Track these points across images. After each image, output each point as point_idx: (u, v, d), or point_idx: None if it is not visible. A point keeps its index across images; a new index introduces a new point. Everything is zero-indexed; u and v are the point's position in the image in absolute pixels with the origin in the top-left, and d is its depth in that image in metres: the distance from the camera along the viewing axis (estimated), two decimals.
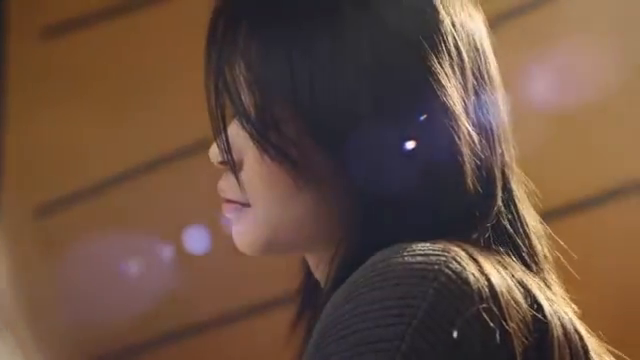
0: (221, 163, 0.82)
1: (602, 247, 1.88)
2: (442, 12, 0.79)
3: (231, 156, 0.81)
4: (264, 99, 0.78)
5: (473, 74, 0.80)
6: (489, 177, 0.79)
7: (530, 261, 0.81)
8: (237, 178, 0.81)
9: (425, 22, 0.79)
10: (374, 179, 0.76)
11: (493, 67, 0.83)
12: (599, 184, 1.94)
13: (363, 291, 0.68)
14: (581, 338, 0.76)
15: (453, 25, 0.80)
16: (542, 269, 0.82)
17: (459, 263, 0.69)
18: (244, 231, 0.82)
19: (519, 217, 0.82)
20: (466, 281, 0.68)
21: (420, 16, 0.79)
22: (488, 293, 0.69)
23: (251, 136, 0.79)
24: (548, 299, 0.75)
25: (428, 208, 0.77)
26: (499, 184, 0.80)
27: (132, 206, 1.98)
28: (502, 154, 0.82)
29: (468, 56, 0.80)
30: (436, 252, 0.70)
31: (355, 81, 0.76)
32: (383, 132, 0.76)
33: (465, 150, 0.77)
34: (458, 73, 0.79)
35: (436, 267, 0.69)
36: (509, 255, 0.79)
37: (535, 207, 0.86)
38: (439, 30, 0.79)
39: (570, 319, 0.76)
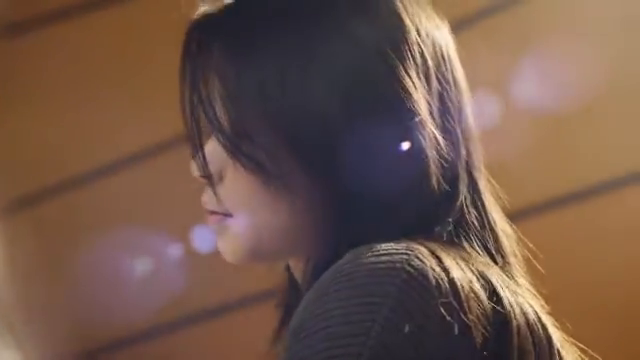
0: (202, 177, 0.85)
1: (581, 242, 1.90)
2: (408, 23, 0.83)
3: (208, 170, 0.83)
4: (237, 112, 0.81)
5: (438, 80, 0.84)
6: (453, 177, 0.83)
7: (496, 254, 0.84)
8: (214, 191, 0.84)
9: (392, 33, 0.82)
10: (345, 185, 0.79)
11: (459, 73, 0.87)
12: (577, 181, 1.96)
13: (330, 291, 0.71)
14: (544, 328, 0.79)
15: (419, 34, 0.83)
16: (508, 262, 0.85)
17: (420, 260, 0.72)
18: (227, 241, 0.85)
19: (486, 215, 0.85)
20: (426, 277, 0.71)
21: (387, 27, 0.82)
22: (448, 287, 0.72)
23: (225, 148, 0.82)
24: (511, 291, 0.78)
25: (395, 209, 0.80)
26: (463, 184, 0.84)
27: (114, 200, 1.98)
28: (468, 155, 0.85)
29: (433, 63, 0.83)
30: (399, 251, 0.73)
31: (325, 92, 0.79)
32: (352, 140, 0.79)
33: (431, 153, 0.81)
34: (424, 80, 0.82)
35: (398, 265, 0.71)
36: (473, 249, 0.82)
37: (512, 205, 0.89)
38: (405, 40, 0.82)
39: (535, 310, 0.79)
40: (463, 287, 0.72)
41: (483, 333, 0.72)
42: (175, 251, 1.87)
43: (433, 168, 0.81)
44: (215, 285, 1.93)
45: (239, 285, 1.93)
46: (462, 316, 0.71)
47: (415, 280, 0.71)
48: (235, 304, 1.97)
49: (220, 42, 0.82)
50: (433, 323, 0.70)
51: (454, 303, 0.71)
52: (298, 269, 0.88)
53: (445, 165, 0.82)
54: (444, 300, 0.71)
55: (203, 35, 0.83)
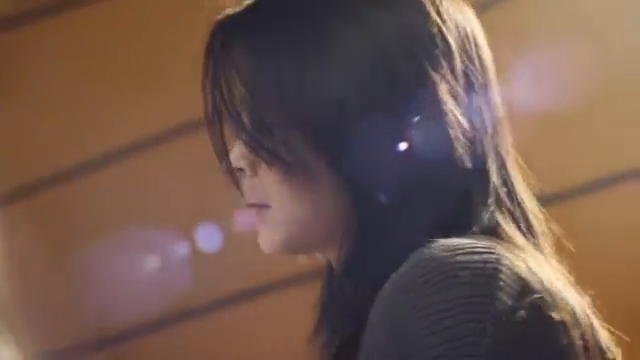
0: (240, 170, 0.87)
1: (579, 239, 1.90)
2: (428, 6, 0.83)
3: (239, 164, 0.86)
4: (256, 107, 0.83)
5: (462, 60, 0.83)
6: (482, 157, 0.83)
7: (528, 234, 0.84)
8: (247, 183, 0.87)
9: (411, 17, 0.82)
10: (368, 173, 0.80)
11: (485, 53, 0.87)
12: (573, 178, 1.96)
13: (429, 292, 0.71)
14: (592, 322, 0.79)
15: (440, 16, 0.83)
16: (539, 243, 0.86)
17: (507, 259, 0.73)
18: (264, 231, 0.87)
19: (516, 195, 0.85)
20: (520, 276, 0.73)
21: (406, 12, 0.82)
22: (540, 285, 0.73)
23: (245, 144, 0.84)
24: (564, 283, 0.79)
25: (423, 194, 0.80)
26: (492, 163, 0.84)
27: (107, 193, 1.98)
28: (495, 134, 0.85)
29: (457, 44, 0.83)
30: (482, 250, 0.74)
31: (342, 81, 0.80)
32: (372, 127, 0.80)
33: (455, 134, 0.81)
34: (445, 61, 0.82)
35: (491, 265, 0.72)
36: (513, 234, 0.82)
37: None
38: (425, 23, 0.82)
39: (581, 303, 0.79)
40: (551, 286, 0.74)
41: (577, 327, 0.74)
42: (174, 244, 1.88)
43: (459, 150, 0.81)
44: (215, 279, 1.93)
45: (231, 281, 1.93)
46: (557, 312, 0.73)
47: (510, 279, 0.72)
48: (232, 299, 1.98)
49: (240, 40, 0.84)
50: (537, 319, 0.71)
51: (548, 299, 0.73)
52: (334, 260, 0.88)
53: (471, 146, 0.82)
54: (540, 296, 0.72)
55: (225, 34, 0.85)
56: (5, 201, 2.01)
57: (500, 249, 0.74)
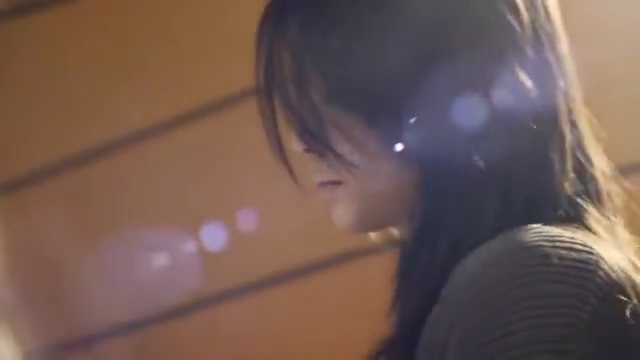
0: (306, 150, 0.85)
1: None
2: None
3: (317, 139, 0.82)
4: (304, 84, 0.81)
5: (528, 11, 0.80)
6: (553, 118, 0.80)
7: (597, 203, 0.81)
8: (315, 162, 0.84)
9: None
10: (437, 144, 0.78)
11: (550, 2, 0.83)
12: None
13: (518, 283, 0.68)
14: None
15: None
16: (609, 217, 0.82)
17: (604, 262, 0.70)
18: (339, 208, 0.85)
19: (591, 166, 0.82)
20: (616, 281, 0.70)
21: None
22: (632, 289, 0.70)
23: (291, 123, 0.83)
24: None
25: (492, 166, 0.77)
26: (565, 124, 0.80)
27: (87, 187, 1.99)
28: (566, 88, 0.82)
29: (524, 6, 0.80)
30: (581, 247, 0.71)
31: (399, 51, 0.78)
32: (432, 97, 0.77)
33: (522, 91, 0.78)
34: (513, 14, 0.79)
35: (592, 267, 0.69)
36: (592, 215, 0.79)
37: None
38: None
39: None
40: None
41: None
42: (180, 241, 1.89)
43: (526, 110, 0.78)
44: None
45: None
46: None
47: (607, 285, 0.69)
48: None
49: (293, 16, 0.82)
50: (633, 327, 0.69)
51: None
52: (407, 233, 0.86)
53: (540, 105, 0.78)
54: (632, 304, 0.69)
55: (278, 12, 0.84)
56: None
57: (596, 246, 0.71)
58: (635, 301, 0.70)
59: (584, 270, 0.69)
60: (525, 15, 0.79)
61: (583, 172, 0.81)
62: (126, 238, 1.91)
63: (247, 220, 1.84)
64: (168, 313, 1.95)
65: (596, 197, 0.81)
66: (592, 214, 0.79)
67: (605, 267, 0.70)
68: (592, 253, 0.70)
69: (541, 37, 0.80)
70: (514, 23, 0.78)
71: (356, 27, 0.79)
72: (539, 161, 0.78)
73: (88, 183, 1.97)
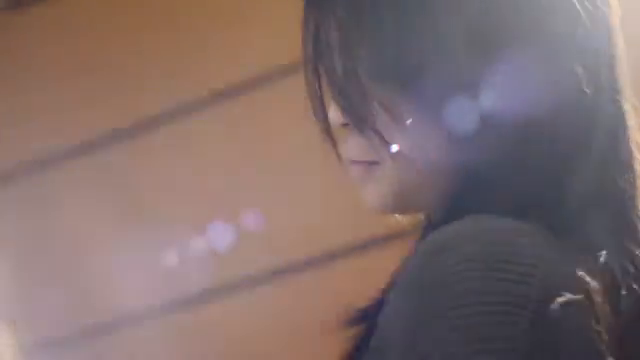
0: (344, 125, 0.83)
1: None
2: None
3: (359, 115, 0.80)
4: (349, 57, 0.80)
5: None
6: (593, 110, 0.78)
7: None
8: (352, 140, 0.83)
9: None
10: (480, 134, 0.77)
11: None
12: None
13: (457, 278, 0.67)
14: None
15: None
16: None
17: (552, 264, 0.69)
18: (373, 188, 0.83)
19: (630, 158, 0.81)
20: (560, 283, 0.69)
21: None
22: (586, 285, 0.70)
23: (334, 97, 0.81)
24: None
25: (524, 158, 0.76)
26: (605, 118, 0.79)
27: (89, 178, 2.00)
28: (612, 78, 0.80)
29: None
30: (528, 249, 0.69)
31: (445, 33, 0.76)
32: (474, 82, 0.76)
33: (569, 81, 0.77)
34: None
35: (532, 270, 0.68)
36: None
37: None
38: None
39: None
40: (595, 287, 0.70)
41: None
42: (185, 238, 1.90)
43: (569, 100, 0.76)
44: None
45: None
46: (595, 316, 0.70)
47: (553, 282, 0.68)
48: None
49: None
50: (574, 323, 0.69)
51: (588, 303, 0.69)
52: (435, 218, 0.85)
53: (585, 96, 0.77)
54: (581, 298, 0.69)
55: None
56: None
57: (550, 249, 0.70)
58: (583, 303, 0.69)
59: (524, 273, 0.68)
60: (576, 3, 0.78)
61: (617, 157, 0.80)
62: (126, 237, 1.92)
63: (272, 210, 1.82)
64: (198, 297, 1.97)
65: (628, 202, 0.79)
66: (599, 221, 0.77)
67: (550, 269, 0.69)
68: (541, 254, 0.69)
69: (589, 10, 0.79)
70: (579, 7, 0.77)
71: (409, 4, 0.77)
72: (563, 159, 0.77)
73: (78, 176, 1.97)
